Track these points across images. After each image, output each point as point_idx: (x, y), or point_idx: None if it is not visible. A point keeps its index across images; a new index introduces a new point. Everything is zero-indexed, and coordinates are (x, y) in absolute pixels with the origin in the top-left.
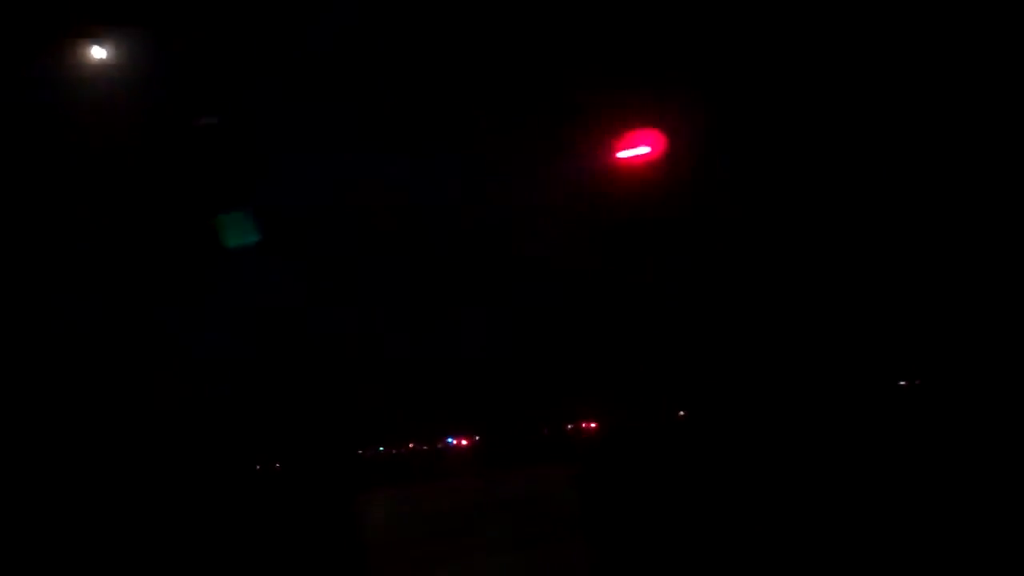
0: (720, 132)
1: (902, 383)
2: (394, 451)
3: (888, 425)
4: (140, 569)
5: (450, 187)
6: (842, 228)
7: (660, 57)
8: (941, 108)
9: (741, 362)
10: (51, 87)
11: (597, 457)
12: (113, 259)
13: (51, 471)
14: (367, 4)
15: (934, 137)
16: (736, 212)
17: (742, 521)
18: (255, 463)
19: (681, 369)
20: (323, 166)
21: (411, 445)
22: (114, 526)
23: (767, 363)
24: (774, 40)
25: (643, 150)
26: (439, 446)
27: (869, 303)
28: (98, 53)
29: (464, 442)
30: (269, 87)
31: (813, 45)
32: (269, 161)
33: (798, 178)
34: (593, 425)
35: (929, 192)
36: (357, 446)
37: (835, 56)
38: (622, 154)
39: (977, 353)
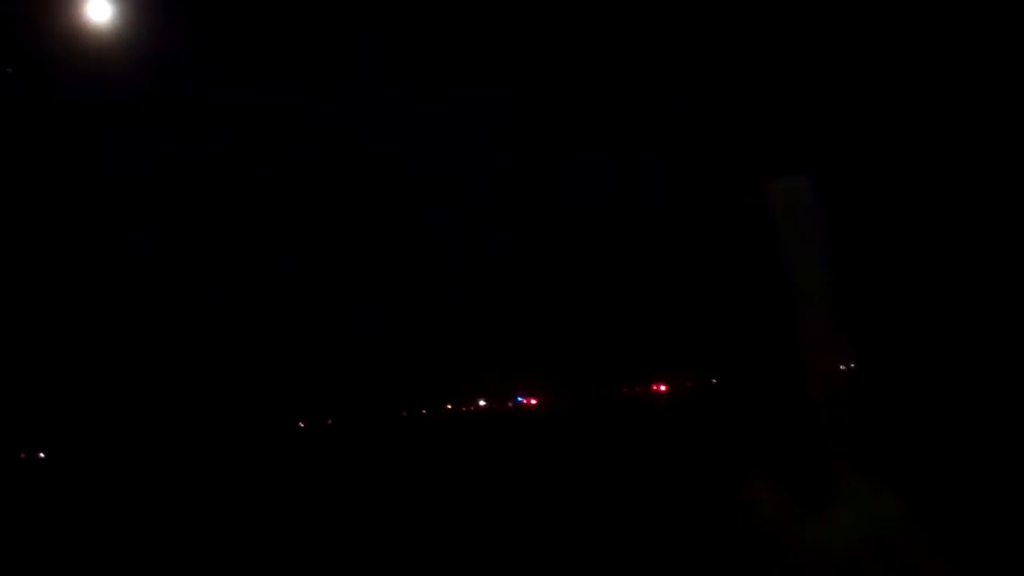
0: None
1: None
2: (465, 409)
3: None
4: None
5: None
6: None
7: None
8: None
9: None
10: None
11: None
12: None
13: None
14: None
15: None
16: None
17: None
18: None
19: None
20: None
21: (483, 403)
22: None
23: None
24: None
25: None
26: (509, 404)
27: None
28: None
29: (534, 401)
30: None
31: None
32: None
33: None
34: (664, 388)
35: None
36: (430, 405)
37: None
38: None
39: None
